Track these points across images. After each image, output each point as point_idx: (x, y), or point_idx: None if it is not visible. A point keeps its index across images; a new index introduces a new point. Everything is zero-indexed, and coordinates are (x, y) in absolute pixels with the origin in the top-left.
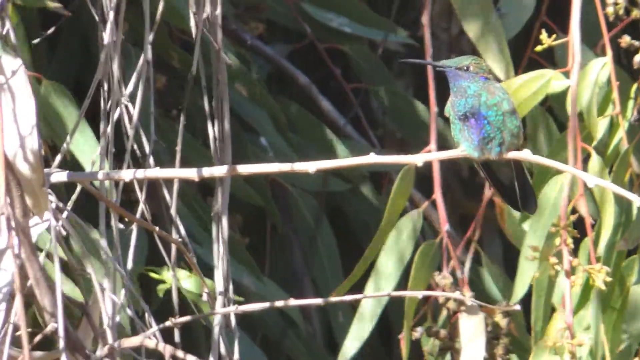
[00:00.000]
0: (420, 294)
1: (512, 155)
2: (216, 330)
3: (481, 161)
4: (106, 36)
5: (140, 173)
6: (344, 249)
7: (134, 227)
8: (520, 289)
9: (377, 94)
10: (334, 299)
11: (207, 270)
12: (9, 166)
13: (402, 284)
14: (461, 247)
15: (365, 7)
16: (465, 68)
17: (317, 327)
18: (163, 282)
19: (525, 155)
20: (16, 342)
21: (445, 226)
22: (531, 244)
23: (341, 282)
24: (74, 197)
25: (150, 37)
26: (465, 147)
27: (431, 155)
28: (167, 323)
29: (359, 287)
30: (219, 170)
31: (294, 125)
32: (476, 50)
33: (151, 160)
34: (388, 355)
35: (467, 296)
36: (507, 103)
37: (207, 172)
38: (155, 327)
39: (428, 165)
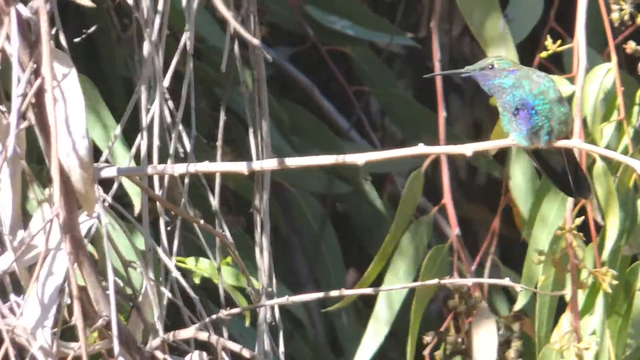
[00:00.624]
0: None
1: (562, 143)
2: (261, 323)
3: (531, 150)
4: (152, 34)
5: (191, 167)
6: (346, 251)
7: (177, 222)
8: (524, 294)
9: (379, 96)
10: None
11: None
12: (61, 166)
13: (412, 290)
14: (478, 257)
15: (367, 10)
16: (489, 67)
17: (319, 329)
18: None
19: (575, 143)
20: (65, 338)
21: (455, 230)
22: (537, 248)
23: (344, 284)
24: (112, 191)
25: (189, 34)
26: (514, 136)
27: (481, 144)
28: (219, 314)
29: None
30: (268, 164)
31: (296, 128)
32: (476, 52)
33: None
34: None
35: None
36: (553, 91)
37: (257, 165)
38: (206, 319)
39: (430, 170)
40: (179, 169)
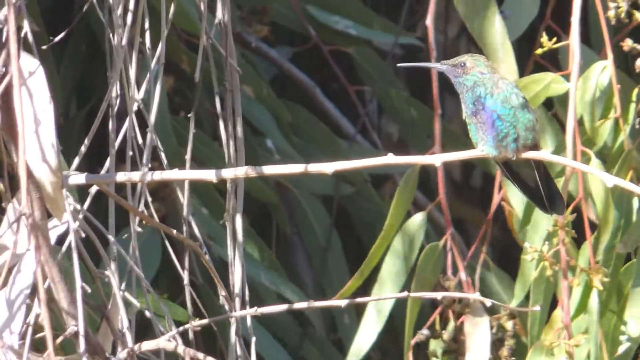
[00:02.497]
0: (438, 294)
1: (530, 154)
2: (233, 332)
3: (501, 161)
4: (119, 37)
5: (159, 175)
6: (349, 252)
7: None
8: (520, 291)
9: (381, 96)
10: (359, 300)
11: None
12: (28, 169)
13: (407, 287)
14: (469, 254)
15: (368, 10)
16: (461, 65)
17: (322, 329)
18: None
19: (544, 154)
20: (34, 346)
21: (450, 228)
22: (530, 245)
23: (346, 284)
24: (88, 199)
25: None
26: (482, 146)
27: (450, 155)
28: (187, 326)
29: (363, 289)
30: (238, 172)
31: (298, 127)
32: (473, 51)
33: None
34: (397, 357)
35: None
36: (516, 97)
37: (227, 173)
38: (174, 330)
39: (426, 168)
40: (147, 176)
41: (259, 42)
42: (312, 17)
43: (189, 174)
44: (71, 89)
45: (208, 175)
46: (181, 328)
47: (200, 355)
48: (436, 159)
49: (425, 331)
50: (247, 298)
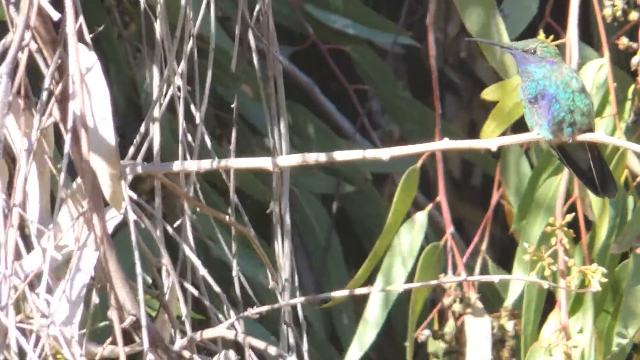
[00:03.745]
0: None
1: (584, 137)
2: (283, 322)
3: (556, 145)
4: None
5: (216, 163)
6: (349, 252)
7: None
8: (514, 291)
9: (380, 95)
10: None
11: (222, 269)
12: (87, 161)
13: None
14: (468, 252)
15: (367, 9)
16: (532, 51)
17: (321, 330)
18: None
19: (598, 136)
20: (91, 337)
21: (450, 228)
22: (526, 244)
23: (346, 284)
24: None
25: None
26: (538, 130)
27: (506, 139)
28: (246, 313)
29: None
30: (293, 159)
31: (297, 127)
32: (473, 51)
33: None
34: (395, 357)
35: (474, 298)
36: (577, 81)
37: (283, 161)
38: (233, 317)
39: (425, 168)
40: (205, 165)
41: (257, 41)
42: (310, 16)
43: (245, 162)
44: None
45: (264, 162)
46: (241, 315)
47: (259, 342)
48: (492, 142)
49: (426, 331)
50: (296, 284)
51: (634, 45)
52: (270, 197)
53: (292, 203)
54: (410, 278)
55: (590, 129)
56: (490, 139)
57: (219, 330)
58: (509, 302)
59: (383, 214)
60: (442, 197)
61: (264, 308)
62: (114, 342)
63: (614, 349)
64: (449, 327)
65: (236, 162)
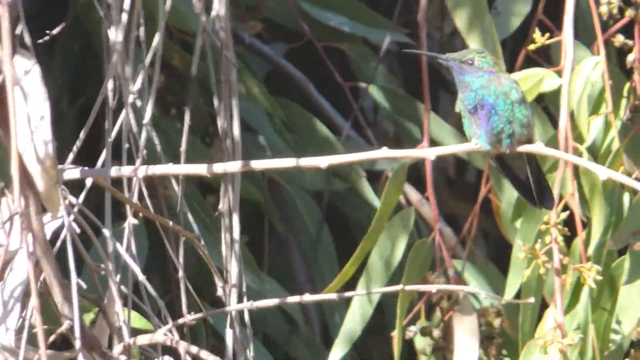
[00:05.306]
0: (433, 287)
1: (524, 148)
2: (229, 327)
3: (494, 155)
4: (115, 34)
5: (151, 169)
6: (342, 249)
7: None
8: (511, 288)
9: (375, 92)
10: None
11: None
12: (22, 164)
13: (394, 282)
14: (455, 246)
15: (363, 6)
16: (469, 62)
17: (316, 327)
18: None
19: (538, 148)
20: (31, 341)
21: (437, 224)
22: (522, 242)
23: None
24: (83, 193)
25: (158, 36)
26: (477, 141)
27: (444, 149)
28: (183, 319)
29: (353, 285)
30: (231, 166)
31: (292, 124)
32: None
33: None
34: (381, 353)
35: (462, 294)
36: (516, 91)
37: (219, 168)
38: (170, 324)
39: (418, 164)
40: (140, 170)
41: (252, 38)
42: (306, 14)
43: (181, 169)
44: (63, 85)
45: (200, 169)
46: (177, 322)
47: (195, 348)
48: (430, 152)
49: (414, 327)
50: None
51: (630, 42)
52: (261, 199)
53: (284, 199)
54: (396, 275)
55: (529, 140)
56: (428, 148)
57: (155, 336)
58: (507, 299)
59: (375, 210)
60: (430, 193)
61: (200, 315)
62: (49, 347)
63: (611, 345)
64: (433, 320)
65: (173, 169)
